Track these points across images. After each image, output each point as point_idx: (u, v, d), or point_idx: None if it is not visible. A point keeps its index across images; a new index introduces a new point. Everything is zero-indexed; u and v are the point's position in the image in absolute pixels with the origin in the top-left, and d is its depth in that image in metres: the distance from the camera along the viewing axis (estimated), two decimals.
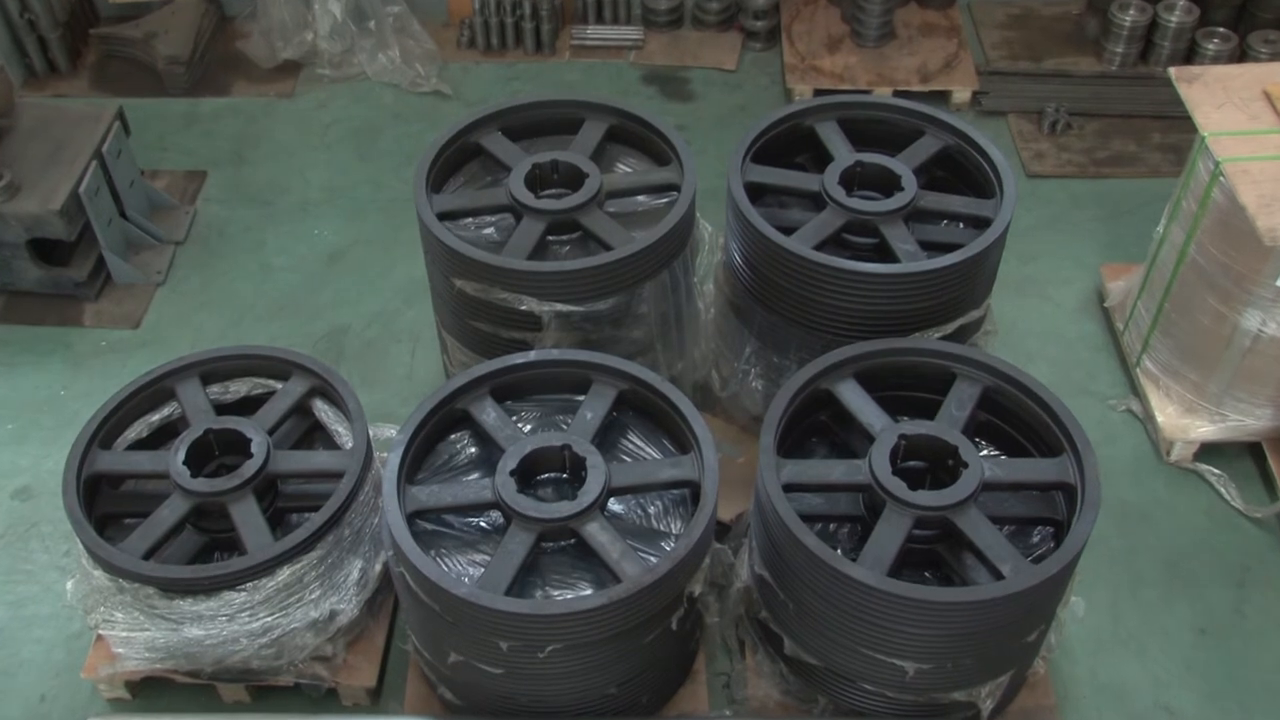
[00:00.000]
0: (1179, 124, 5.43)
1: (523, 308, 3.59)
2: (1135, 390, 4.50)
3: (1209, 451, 4.30)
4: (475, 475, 3.37)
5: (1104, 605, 3.91)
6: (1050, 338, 4.75)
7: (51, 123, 4.88)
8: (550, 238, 3.78)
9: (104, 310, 4.88)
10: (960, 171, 3.98)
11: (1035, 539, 3.33)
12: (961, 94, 5.72)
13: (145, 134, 5.56)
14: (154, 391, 3.65)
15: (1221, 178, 3.81)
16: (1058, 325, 4.80)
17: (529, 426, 3.48)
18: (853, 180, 3.84)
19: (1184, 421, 4.29)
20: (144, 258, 5.05)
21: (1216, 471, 4.24)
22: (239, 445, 3.46)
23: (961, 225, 3.86)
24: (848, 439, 3.48)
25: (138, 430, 3.64)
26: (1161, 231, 4.29)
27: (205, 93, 5.93)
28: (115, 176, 4.88)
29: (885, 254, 3.68)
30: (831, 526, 3.38)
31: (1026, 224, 5.14)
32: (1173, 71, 4.12)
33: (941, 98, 5.72)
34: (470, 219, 3.88)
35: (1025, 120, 5.65)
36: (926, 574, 3.26)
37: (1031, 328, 4.77)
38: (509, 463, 3.18)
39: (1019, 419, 3.44)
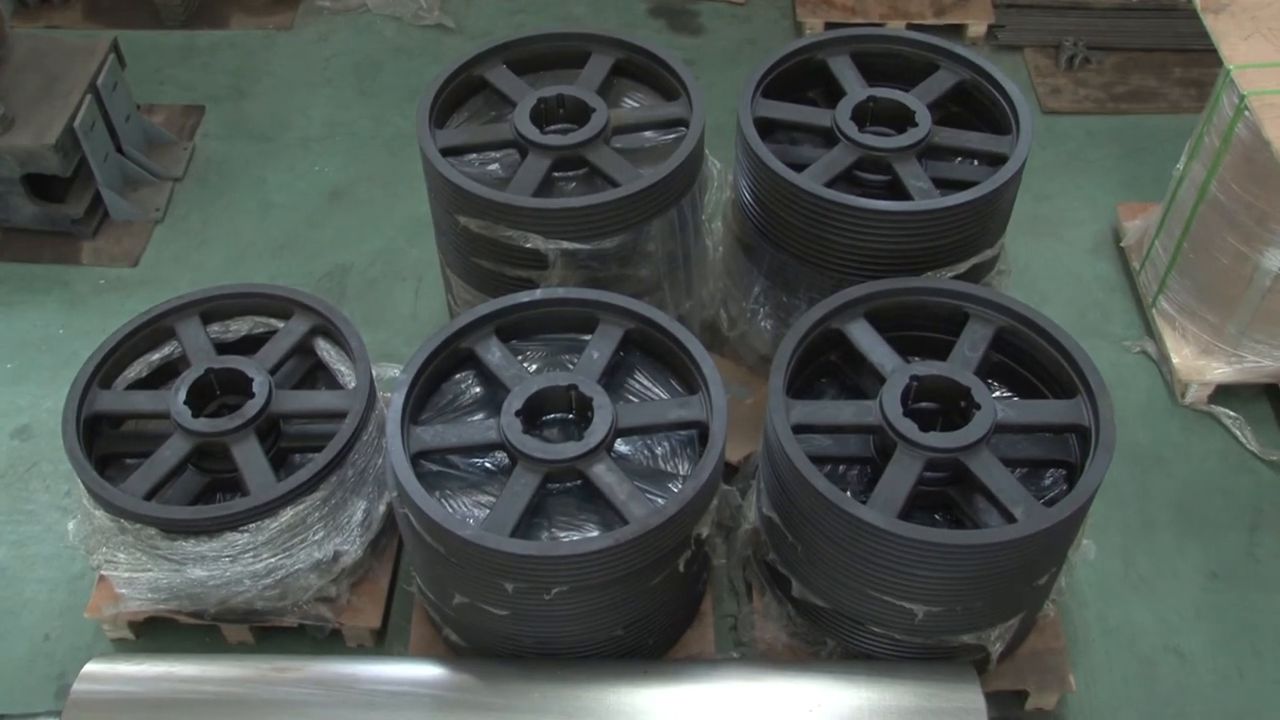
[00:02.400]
0: (1202, 57, 5.38)
1: (528, 245, 3.57)
2: (1150, 332, 4.48)
3: (1224, 394, 4.29)
4: (480, 416, 3.37)
5: (1115, 548, 3.93)
6: (1064, 278, 4.73)
7: (44, 55, 4.83)
8: (556, 174, 3.75)
9: (102, 248, 4.86)
10: (975, 107, 3.94)
11: (1048, 481, 3.33)
12: (977, 27, 5.65)
13: (141, 67, 5.51)
14: (154, 330, 3.65)
15: (1247, 112, 3.77)
16: (1072, 265, 4.78)
17: (534, 366, 3.47)
18: (865, 116, 3.80)
19: (1200, 363, 4.28)
20: (142, 194, 5.02)
21: (1232, 414, 4.23)
22: (240, 385, 3.46)
23: (976, 162, 3.83)
24: (858, 380, 3.47)
25: (138, 370, 3.64)
26: (1181, 169, 4.26)
27: (202, 25, 5.88)
28: (111, 111, 4.84)
29: (898, 191, 3.66)
30: (841, 468, 3.37)
31: (1042, 162, 5.10)
32: (1198, 1, 4.05)
33: (956, 31, 5.65)
34: (474, 155, 3.85)
35: (1042, 55, 5.59)
36: (937, 516, 3.26)
37: (1045, 268, 4.75)
38: (514, 403, 3.18)
39: (1032, 360, 3.43)
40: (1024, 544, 2.98)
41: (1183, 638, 3.74)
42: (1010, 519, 3.02)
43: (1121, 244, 4.75)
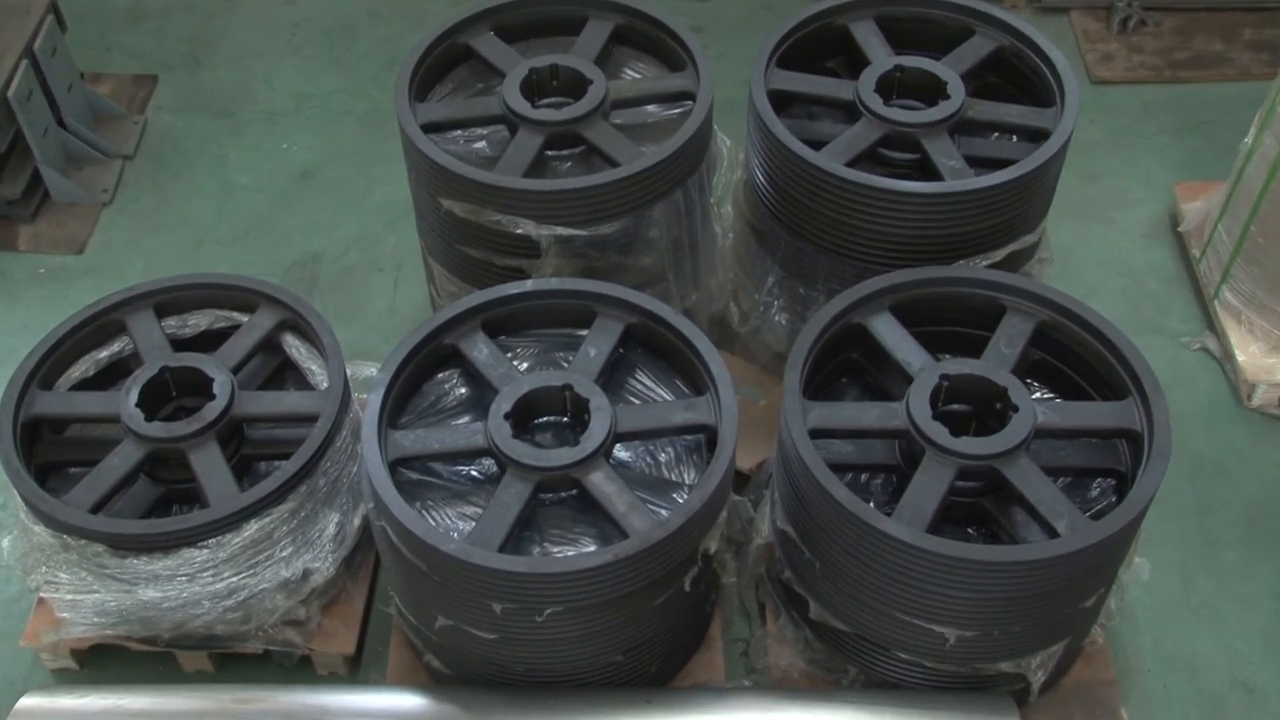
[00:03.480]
0: (1278, 16, 5.38)
1: (518, 231, 3.62)
2: (1212, 326, 4.53)
3: None
4: (465, 419, 3.42)
5: (1173, 568, 3.96)
6: (1114, 267, 4.77)
7: None
8: (549, 152, 3.81)
9: (42, 233, 4.92)
10: (1015, 77, 3.99)
11: (1094, 492, 3.37)
12: None
13: (84, 31, 5.56)
14: (102, 324, 3.69)
15: None
16: (1123, 253, 4.82)
17: (526, 364, 3.53)
18: (891, 87, 3.85)
19: (1270, 361, 4.32)
20: (87, 173, 5.08)
21: None
22: (199, 385, 3.50)
23: (1015, 138, 3.89)
24: (882, 379, 3.52)
25: (83, 368, 3.68)
26: (1250, 143, 4.28)
27: None
28: (50, 79, 4.89)
29: (927, 171, 3.70)
30: (864, 477, 3.42)
31: (1089, 137, 5.15)
32: None
33: None
34: (459, 131, 3.90)
35: (1091, 17, 5.62)
36: (970, 530, 3.30)
37: (1093, 255, 4.80)
38: (503, 405, 3.23)
39: (1078, 358, 3.47)
40: (1068, 561, 3.01)
41: (1252, 670, 3.76)
42: (1052, 533, 3.06)
43: (1179, 229, 4.78)
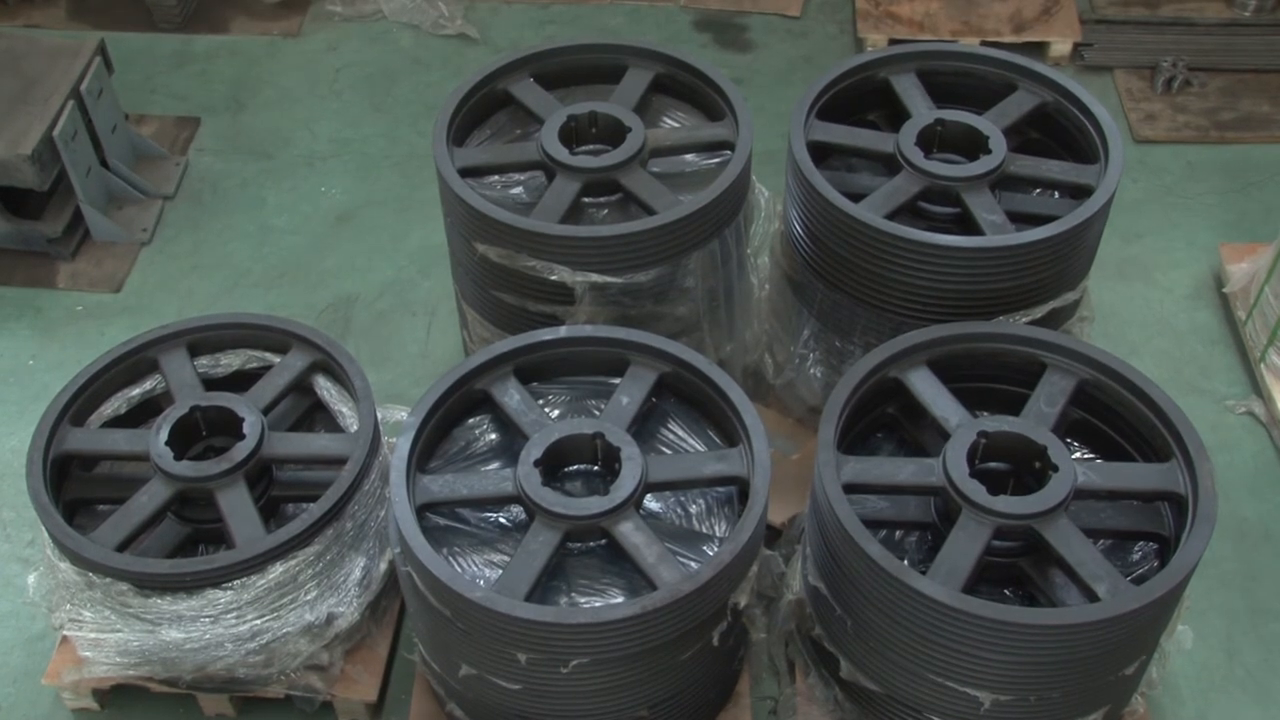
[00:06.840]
0: None
1: (553, 278, 3.62)
2: (1258, 390, 4.48)
3: None
4: (495, 465, 3.41)
5: (1217, 637, 3.91)
6: (1157, 327, 4.73)
7: (22, 56, 4.94)
8: (586, 199, 3.81)
9: (80, 271, 4.95)
10: (1057, 133, 3.98)
11: (1136, 556, 3.33)
12: (1061, 46, 5.70)
13: (130, 74, 5.64)
14: (135, 362, 3.71)
15: None
16: (1167, 313, 4.78)
17: (557, 411, 3.51)
18: (932, 140, 3.84)
19: None
20: (127, 213, 5.12)
21: None
22: (229, 425, 3.51)
23: (1057, 194, 3.87)
24: (918, 435, 3.49)
25: (115, 406, 3.70)
26: None
27: (200, 29, 6.00)
28: (95, 120, 4.94)
29: (967, 225, 3.69)
30: (898, 534, 3.39)
31: (1133, 197, 5.13)
32: None
33: (1037, 50, 5.69)
34: (496, 177, 3.91)
35: (1135, 77, 5.62)
36: (1007, 591, 3.27)
37: (1135, 316, 4.76)
38: (533, 452, 3.22)
39: (1119, 418, 3.44)
40: (1108, 626, 2.97)
41: None
42: (1092, 597, 3.02)
43: (1224, 290, 4.75)
